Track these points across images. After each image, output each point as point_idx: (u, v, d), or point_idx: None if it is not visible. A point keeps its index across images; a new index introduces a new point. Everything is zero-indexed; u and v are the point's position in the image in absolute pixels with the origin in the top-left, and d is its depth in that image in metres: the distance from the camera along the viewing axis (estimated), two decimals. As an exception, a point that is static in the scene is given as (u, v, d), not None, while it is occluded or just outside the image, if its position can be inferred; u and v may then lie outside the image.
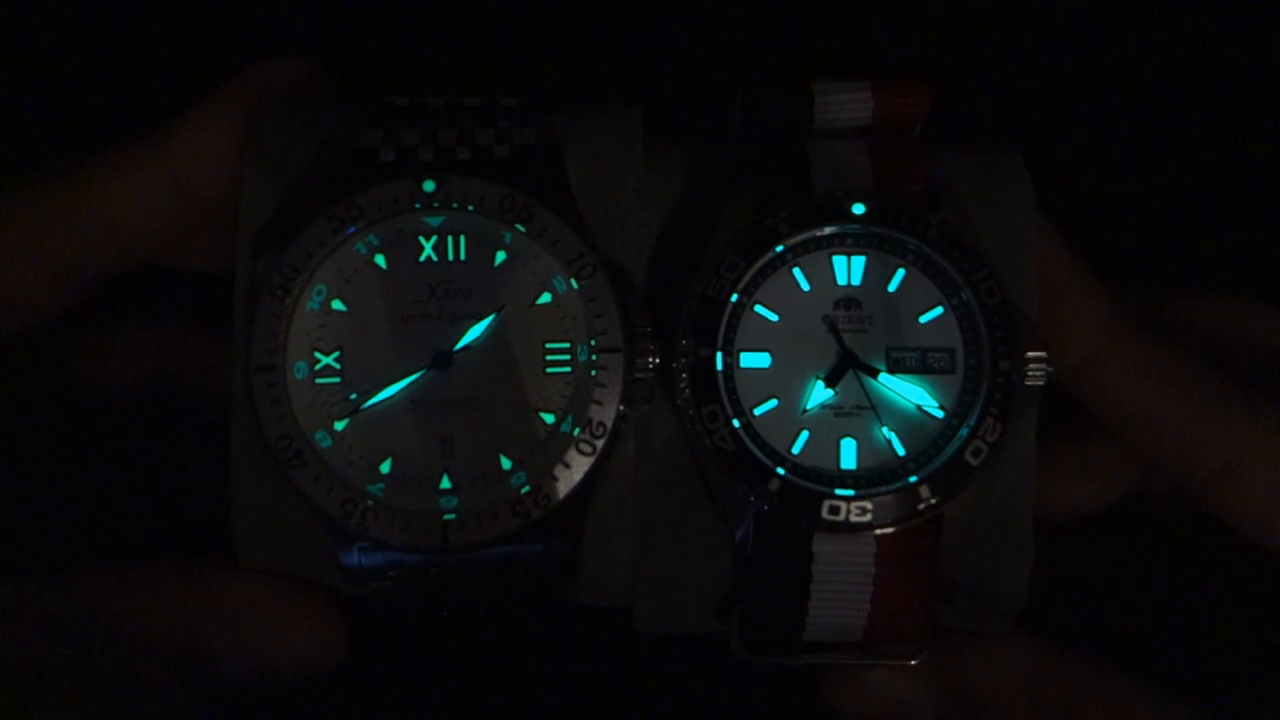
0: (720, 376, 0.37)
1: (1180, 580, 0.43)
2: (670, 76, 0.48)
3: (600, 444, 0.36)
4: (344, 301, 0.37)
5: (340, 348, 0.37)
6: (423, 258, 0.38)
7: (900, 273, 0.38)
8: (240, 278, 0.39)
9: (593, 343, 0.37)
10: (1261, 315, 0.42)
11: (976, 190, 0.40)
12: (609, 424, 0.36)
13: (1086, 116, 0.50)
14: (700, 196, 0.41)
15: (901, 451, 0.37)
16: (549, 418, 0.37)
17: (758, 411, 0.37)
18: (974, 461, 0.36)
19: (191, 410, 0.44)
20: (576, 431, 0.36)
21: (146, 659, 0.37)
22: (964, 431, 0.37)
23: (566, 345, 0.37)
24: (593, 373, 0.37)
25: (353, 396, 0.37)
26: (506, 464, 0.37)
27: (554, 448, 0.37)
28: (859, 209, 0.37)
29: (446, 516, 0.36)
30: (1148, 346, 0.39)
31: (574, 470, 0.36)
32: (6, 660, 0.36)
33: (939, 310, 0.37)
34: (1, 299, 0.40)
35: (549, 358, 0.37)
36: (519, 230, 0.37)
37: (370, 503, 0.36)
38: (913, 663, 0.39)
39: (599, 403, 0.37)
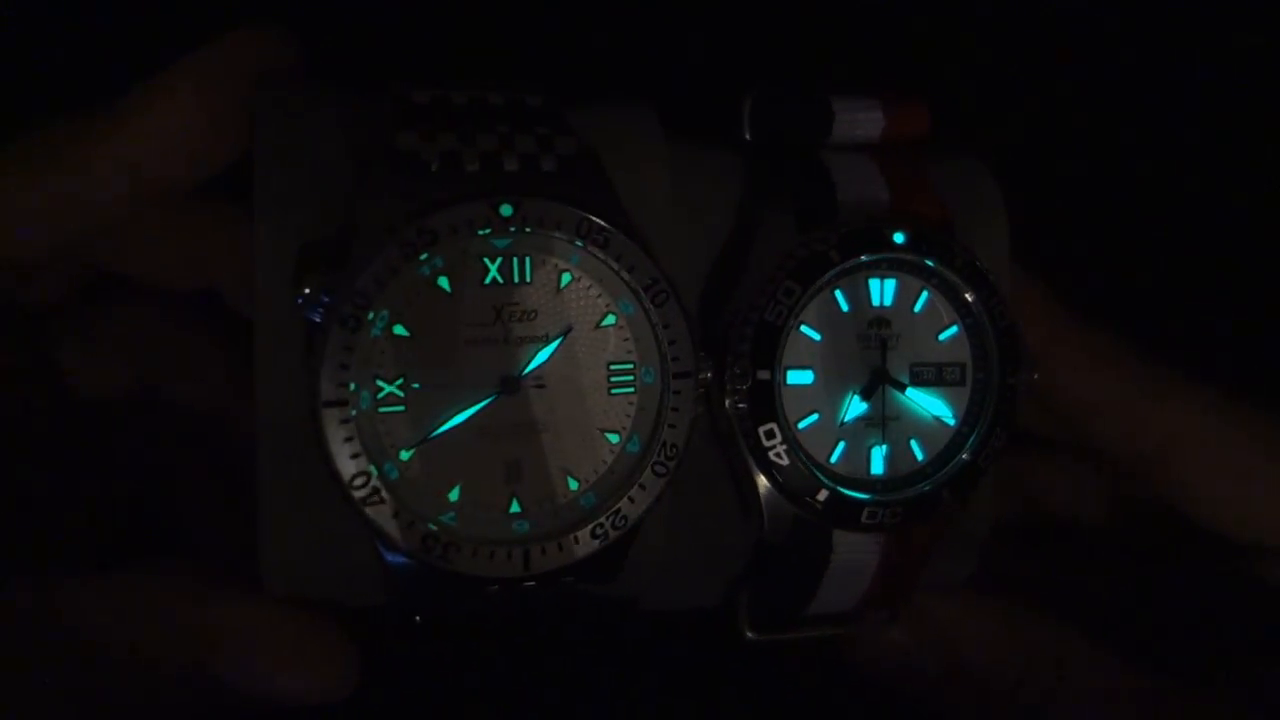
0: (776, 396, 0.39)
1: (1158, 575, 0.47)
2: (669, 78, 0.48)
3: (673, 465, 0.38)
4: (406, 326, 0.36)
5: (403, 375, 0.36)
6: (488, 280, 0.36)
7: (924, 294, 0.41)
8: (263, 290, 0.36)
9: (667, 365, 0.37)
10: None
11: (947, 202, 0.44)
12: (681, 446, 0.38)
13: (1049, 124, 0.54)
14: (716, 202, 0.42)
15: (921, 457, 0.41)
16: (614, 438, 0.38)
17: (801, 425, 0.40)
18: (984, 465, 0.41)
19: (180, 409, 0.41)
20: (650, 453, 0.37)
21: (152, 674, 0.36)
22: (974, 439, 0.41)
23: (630, 365, 0.38)
24: (664, 395, 0.37)
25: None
26: (574, 485, 0.38)
27: (621, 468, 0.38)
28: (900, 238, 0.40)
29: (526, 545, 0.36)
30: (1089, 333, 0.44)
31: (649, 491, 0.38)
32: (8, 665, 0.34)
33: (955, 329, 0.41)
34: None
35: (613, 379, 0.38)
36: (585, 250, 0.37)
37: (450, 536, 0.36)
38: (891, 622, 0.44)
39: (673, 426, 0.38)
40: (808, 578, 0.41)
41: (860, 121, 0.41)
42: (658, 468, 0.38)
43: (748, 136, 0.41)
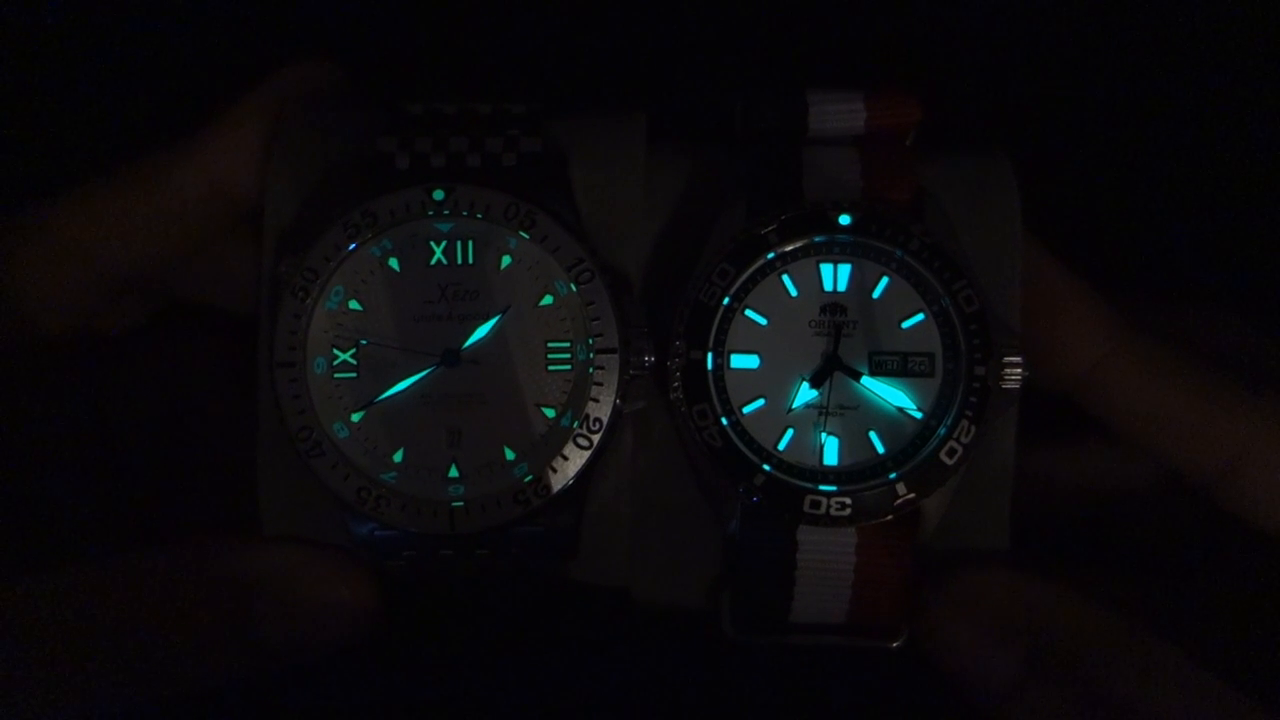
0: (710, 377, 0.39)
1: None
2: (674, 80, 0.50)
3: (596, 438, 0.39)
4: (360, 301, 0.40)
5: (356, 345, 0.40)
6: (433, 261, 0.40)
7: (884, 280, 0.39)
8: (265, 276, 0.42)
9: (590, 342, 0.39)
10: (1232, 320, 0.43)
11: (964, 196, 0.42)
12: (605, 420, 0.39)
13: (1074, 123, 0.51)
14: (700, 198, 0.43)
15: (881, 450, 0.39)
16: (550, 412, 0.40)
17: (746, 410, 0.40)
18: (949, 461, 0.38)
19: (210, 406, 0.47)
20: (575, 425, 0.39)
21: (192, 632, 0.39)
22: (941, 432, 0.39)
23: (567, 344, 0.40)
24: (590, 370, 0.39)
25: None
26: (510, 455, 0.40)
27: (554, 441, 0.39)
28: (845, 220, 0.39)
29: (454, 504, 0.39)
30: (1151, 347, 0.40)
31: (571, 462, 0.39)
32: (59, 644, 0.38)
33: (920, 316, 0.39)
34: (51, 301, 0.42)
35: (550, 356, 0.40)
36: (523, 236, 0.39)
37: (383, 490, 0.39)
38: (894, 645, 0.41)
39: (596, 400, 0.39)
40: (779, 577, 0.40)
41: (839, 114, 0.41)
42: (580, 440, 0.39)
43: (737, 134, 0.42)
